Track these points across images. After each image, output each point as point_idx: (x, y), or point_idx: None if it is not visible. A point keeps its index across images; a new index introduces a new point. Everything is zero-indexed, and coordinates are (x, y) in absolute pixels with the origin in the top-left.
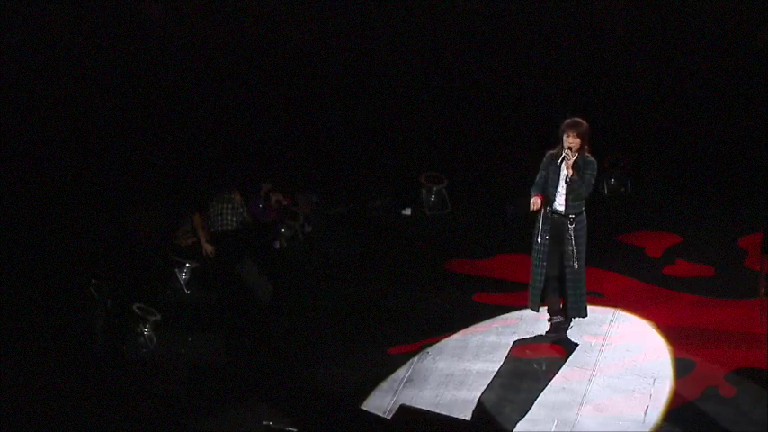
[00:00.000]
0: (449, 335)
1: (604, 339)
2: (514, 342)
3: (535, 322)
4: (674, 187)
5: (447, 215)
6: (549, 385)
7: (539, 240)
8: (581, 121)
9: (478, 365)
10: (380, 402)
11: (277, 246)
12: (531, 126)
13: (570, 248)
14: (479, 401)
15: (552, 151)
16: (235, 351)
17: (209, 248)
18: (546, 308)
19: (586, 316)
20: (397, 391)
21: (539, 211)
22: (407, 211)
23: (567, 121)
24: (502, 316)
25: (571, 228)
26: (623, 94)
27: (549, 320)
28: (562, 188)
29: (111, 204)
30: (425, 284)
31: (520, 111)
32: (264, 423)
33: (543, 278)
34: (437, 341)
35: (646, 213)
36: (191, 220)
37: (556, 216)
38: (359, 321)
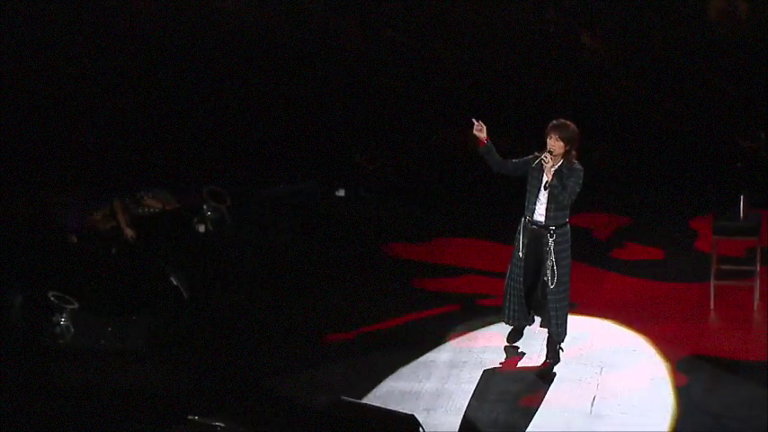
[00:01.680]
0: (388, 321)
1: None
2: (454, 329)
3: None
4: (621, 166)
5: (384, 197)
6: (490, 374)
7: (518, 255)
8: (568, 123)
9: (421, 357)
10: (317, 394)
11: (202, 229)
12: (468, 102)
13: (550, 264)
14: (417, 392)
15: (538, 152)
16: (159, 341)
17: (129, 232)
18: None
19: (563, 341)
20: (333, 382)
21: (479, 133)
22: (341, 193)
23: (553, 122)
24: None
25: (551, 241)
26: (569, 68)
27: (509, 323)
28: (543, 196)
29: (27, 187)
30: (362, 269)
31: (454, 86)
32: (189, 417)
33: (522, 294)
34: (376, 328)
35: (592, 193)
36: (110, 203)
37: (535, 227)
38: (291, 308)
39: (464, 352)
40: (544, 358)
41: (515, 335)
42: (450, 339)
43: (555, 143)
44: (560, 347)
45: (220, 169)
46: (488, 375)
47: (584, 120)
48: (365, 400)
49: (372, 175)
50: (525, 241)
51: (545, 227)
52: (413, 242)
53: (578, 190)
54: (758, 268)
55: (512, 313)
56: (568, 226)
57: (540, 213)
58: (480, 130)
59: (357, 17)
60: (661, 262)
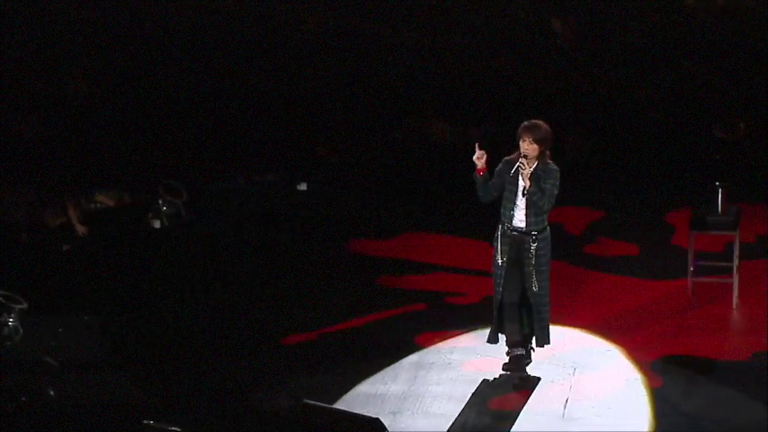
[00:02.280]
0: (352, 321)
1: None
2: (421, 328)
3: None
4: (594, 157)
5: (347, 191)
6: (459, 376)
7: (499, 263)
8: (539, 123)
9: (387, 358)
10: (277, 398)
11: (157, 225)
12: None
13: (531, 269)
14: (383, 395)
15: (509, 157)
16: (113, 343)
17: (81, 229)
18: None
19: (550, 343)
20: (295, 385)
21: (478, 161)
22: (303, 186)
23: (524, 123)
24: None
25: (533, 246)
26: (540, 55)
27: (507, 353)
28: (521, 201)
29: None
30: (325, 267)
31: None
32: (145, 422)
33: (499, 305)
34: (339, 329)
35: (564, 186)
36: (61, 199)
37: (516, 234)
38: (250, 308)
39: (432, 353)
40: (503, 367)
41: (511, 365)
42: (417, 339)
43: (529, 146)
44: (532, 347)
45: (176, 163)
46: (457, 377)
47: (555, 109)
48: (329, 404)
49: (336, 167)
50: (505, 248)
51: (527, 233)
52: (378, 238)
53: (557, 192)
54: (737, 264)
55: (498, 330)
56: (548, 229)
57: (519, 219)
58: (480, 158)
59: (319, 4)
60: (636, 258)
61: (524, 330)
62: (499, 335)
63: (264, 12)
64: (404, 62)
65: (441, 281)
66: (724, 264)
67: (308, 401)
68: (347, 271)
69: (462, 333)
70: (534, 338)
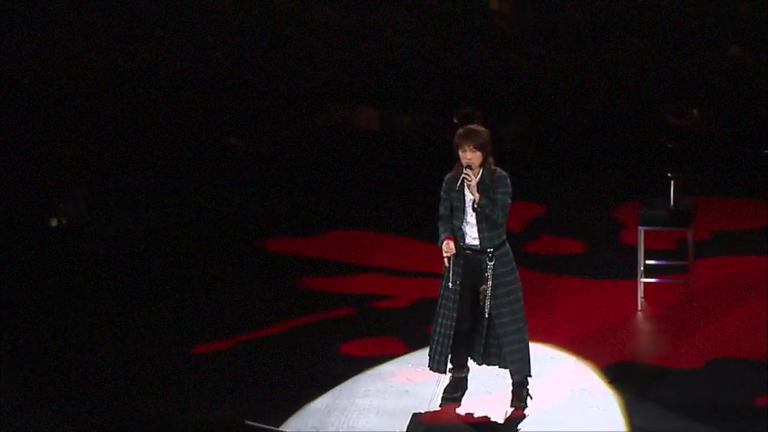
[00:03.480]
0: (271, 328)
1: None
2: (347, 335)
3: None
4: (534, 146)
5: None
6: (388, 388)
7: (449, 286)
8: (477, 128)
9: (309, 368)
10: (190, 413)
11: (54, 223)
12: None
13: (486, 292)
14: (303, 408)
15: (451, 173)
16: (5, 350)
17: None
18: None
19: (531, 375)
20: (207, 399)
21: (452, 255)
22: (212, 182)
23: (459, 131)
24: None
25: (491, 265)
26: (476, 35)
27: (450, 371)
28: (471, 217)
29: None
30: (240, 268)
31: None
32: (247, 422)
33: (452, 333)
34: (257, 336)
35: None
36: None
37: (470, 253)
38: (159, 314)
39: (359, 362)
40: (509, 404)
41: (454, 386)
42: (344, 348)
43: (471, 155)
44: (528, 393)
45: (75, 157)
46: (386, 388)
47: (492, 94)
48: (243, 417)
49: (250, 158)
50: (458, 270)
51: (481, 250)
52: (298, 236)
53: (510, 201)
54: (691, 263)
55: (437, 357)
56: (507, 245)
57: (472, 237)
58: (450, 249)
59: None
60: (582, 257)
61: (476, 360)
62: (461, 360)
63: None
64: (326, 41)
65: (369, 283)
66: (677, 263)
67: (249, 422)
68: (265, 273)
69: (392, 340)
70: (510, 372)
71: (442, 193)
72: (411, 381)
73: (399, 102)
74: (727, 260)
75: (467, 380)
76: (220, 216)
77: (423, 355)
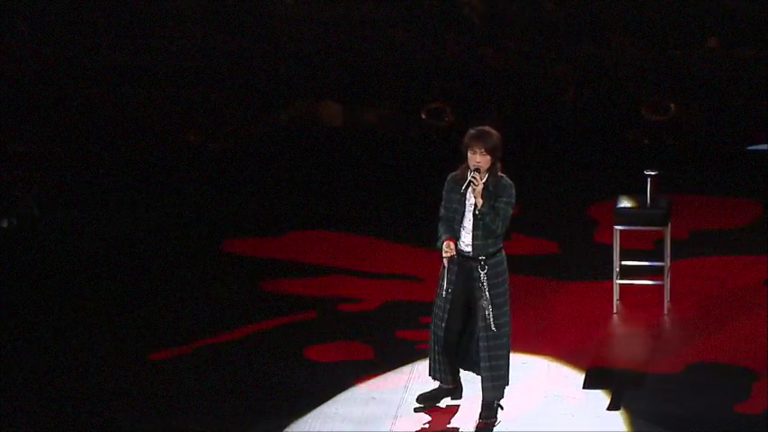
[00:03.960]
0: (230, 333)
1: (426, 338)
2: (311, 339)
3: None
4: (505, 142)
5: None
6: (354, 394)
7: (442, 294)
8: (490, 130)
9: (271, 374)
10: (145, 423)
11: (5, 224)
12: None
13: (484, 303)
14: (265, 414)
15: (455, 173)
16: None
17: None
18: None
19: (503, 397)
20: (165, 408)
21: (453, 257)
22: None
23: (472, 131)
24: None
25: (483, 274)
26: (445, 27)
27: (436, 379)
28: (468, 222)
29: None
30: (198, 270)
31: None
32: None
33: (443, 343)
34: (216, 341)
35: None
36: None
37: (462, 259)
38: (111, 320)
39: (322, 367)
40: (479, 415)
41: (433, 396)
42: (307, 353)
43: (481, 158)
44: (499, 405)
45: (31, 154)
46: (352, 395)
47: (463, 88)
48: (201, 428)
49: (210, 155)
50: (452, 277)
51: (474, 258)
52: (259, 236)
53: (511, 211)
54: (669, 264)
55: (436, 366)
56: (503, 253)
57: (465, 243)
58: (450, 249)
59: None
60: (554, 257)
61: (468, 368)
62: (450, 371)
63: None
64: (289, 34)
65: (334, 285)
66: (654, 263)
67: (175, 425)
68: (224, 275)
69: (357, 345)
70: (482, 390)
71: (443, 193)
72: (380, 387)
73: (365, 96)
74: (706, 261)
75: (456, 390)
76: (178, 216)
77: (390, 360)
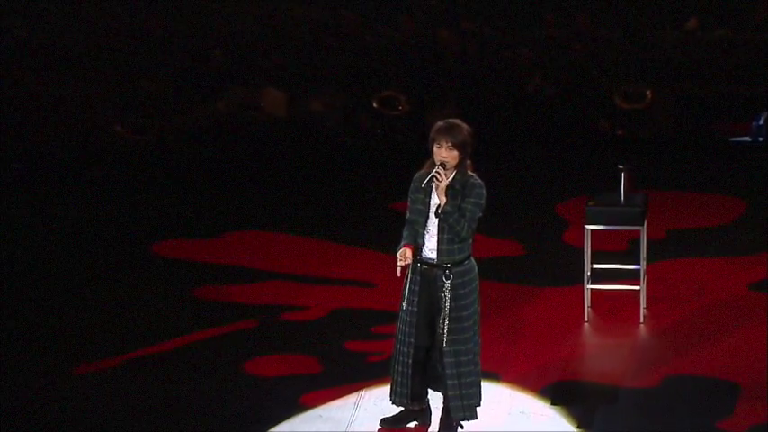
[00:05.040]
0: (163, 344)
1: (377, 349)
2: (251, 351)
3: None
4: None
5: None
6: (299, 411)
7: (404, 306)
8: (460, 124)
9: (207, 389)
10: None
11: None
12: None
13: (444, 315)
14: None
15: (421, 171)
16: None
17: None
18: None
19: (476, 418)
20: (90, 426)
21: (407, 267)
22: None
23: (440, 124)
24: None
25: (448, 283)
26: (397, 10)
27: (398, 404)
28: (432, 225)
29: None
30: (128, 276)
31: None
32: None
33: (411, 361)
34: (147, 353)
35: None
36: None
37: (426, 267)
38: (32, 330)
39: (264, 382)
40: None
41: (399, 419)
42: (247, 366)
43: (448, 153)
44: (459, 424)
45: None
46: (297, 412)
47: (418, 74)
48: None
49: (139, 149)
50: (415, 288)
51: (438, 265)
52: (193, 237)
53: (480, 214)
54: (645, 267)
55: (397, 388)
56: (472, 261)
57: (430, 249)
58: (405, 258)
59: None
60: (519, 259)
61: (425, 395)
62: (419, 392)
63: None
64: (225, 15)
65: (276, 291)
66: (628, 267)
67: None
68: (154, 280)
69: (303, 358)
70: (450, 409)
71: (409, 195)
72: (327, 403)
73: (310, 84)
74: (685, 263)
75: (423, 413)
76: (104, 215)
77: (339, 374)
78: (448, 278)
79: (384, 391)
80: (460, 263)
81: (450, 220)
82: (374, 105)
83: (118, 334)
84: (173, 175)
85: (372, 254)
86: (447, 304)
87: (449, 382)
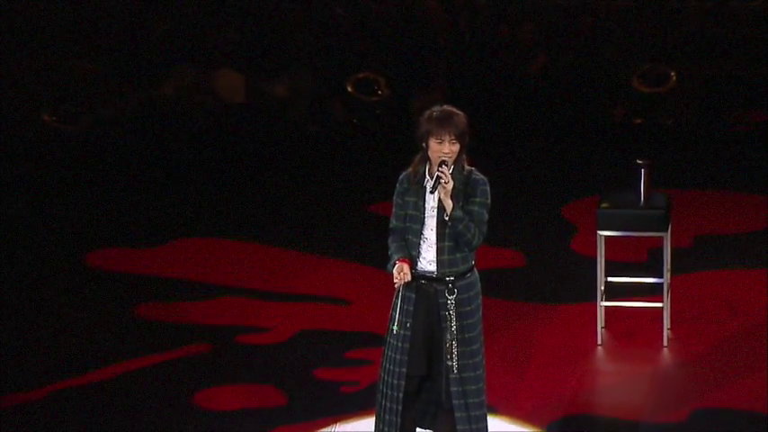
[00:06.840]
0: (97, 372)
1: (352, 378)
2: (203, 380)
3: None
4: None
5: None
6: None
7: (394, 329)
8: (455, 110)
9: (149, 424)
10: None
11: None
12: None
13: (449, 337)
14: None
15: (408, 170)
16: None
17: None
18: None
19: None
20: None
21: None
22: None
23: (434, 113)
24: None
25: (451, 300)
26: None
27: None
28: (430, 232)
29: None
30: (56, 292)
31: None
32: None
33: (402, 394)
34: (78, 383)
35: None
36: None
37: (423, 282)
38: None
39: (218, 418)
40: None
41: None
42: (197, 398)
43: (451, 148)
44: None
45: None
46: None
47: (399, 53)
48: None
49: (70, 141)
50: (409, 309)
51: (439, 279)
52: (134, 246)
53: (487, 216)
54: (668, 280)
55: (383, 427)
56: (476, 273)
57: (428, 260)
58: (404, 275)
59: None
60: (521, 271)
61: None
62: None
63: None
64: None
65: (232, 309)
66: (648, 280)
67: None
68: (88, 296)
69: (264, 388)
70: None
71: (395, 199)
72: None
73: (272, 65)
74: (714, 275)
75: None
76: (28, 219)
77: (308, 407)
78: (452, 293)
79: (363, 426)
80: (464, 275)
81: (460, 227)
82: (348, 89)
83: (44, 360)
84: (109, 171)
85: (346, 264)
86: (453, 324)
87: (457, 415)
